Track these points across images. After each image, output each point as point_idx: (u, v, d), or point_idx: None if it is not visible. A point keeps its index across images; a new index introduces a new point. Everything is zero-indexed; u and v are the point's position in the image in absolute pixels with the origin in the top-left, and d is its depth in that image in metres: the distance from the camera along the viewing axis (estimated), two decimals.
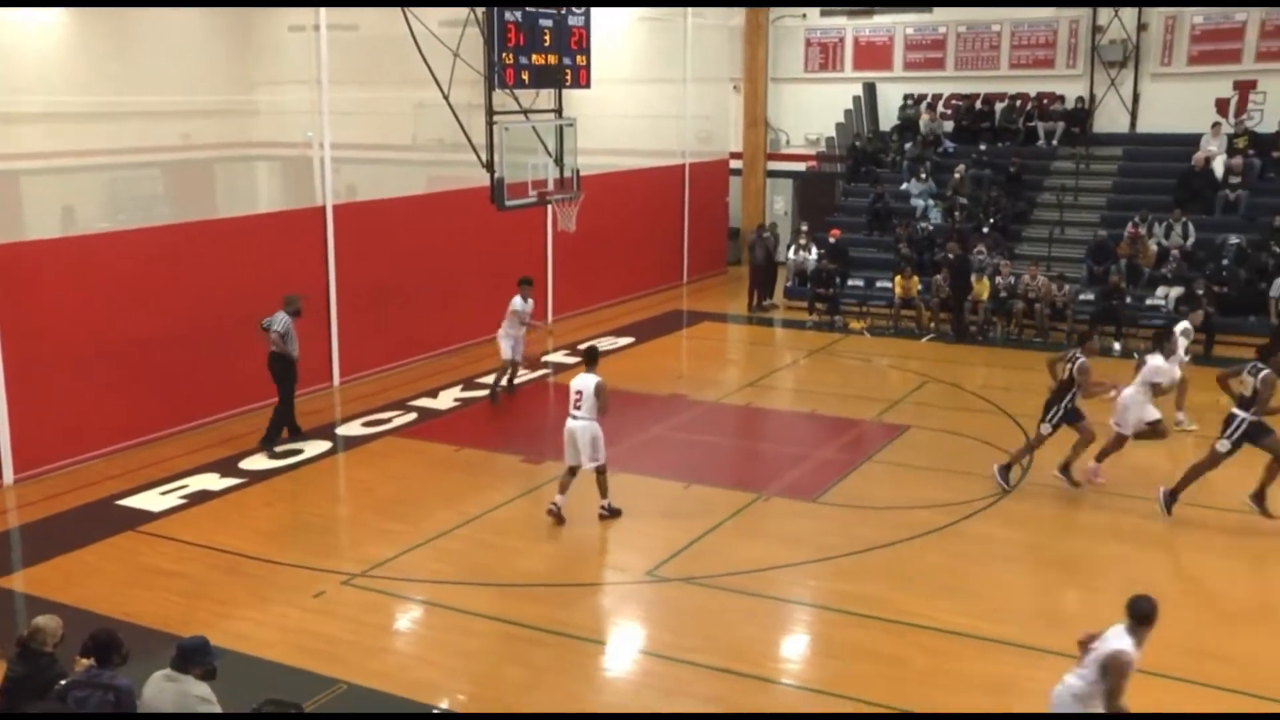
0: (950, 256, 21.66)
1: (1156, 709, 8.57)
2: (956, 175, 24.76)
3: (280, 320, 14.59)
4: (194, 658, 6.89)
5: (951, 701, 8.74)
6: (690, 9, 25.97)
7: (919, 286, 21.74)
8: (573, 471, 12.22)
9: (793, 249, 24.67)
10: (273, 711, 6.56)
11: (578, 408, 11.99)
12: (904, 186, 25.61)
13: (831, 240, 23.59)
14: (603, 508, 12.31)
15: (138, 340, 14.54)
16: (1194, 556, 11.52)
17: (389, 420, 15.97)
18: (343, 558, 11.48)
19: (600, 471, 12.17)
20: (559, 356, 19.65)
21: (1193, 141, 23.93)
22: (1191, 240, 21.93)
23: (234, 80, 18.25)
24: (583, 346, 13.07)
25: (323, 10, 16.53)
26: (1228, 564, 11.37)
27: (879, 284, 22.88)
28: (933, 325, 21.46)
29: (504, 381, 16.96)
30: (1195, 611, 10.25)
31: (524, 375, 17.85)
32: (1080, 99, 25.82)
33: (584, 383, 11.99)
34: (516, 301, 16.65)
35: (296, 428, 15.02)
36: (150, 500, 12.93)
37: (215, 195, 18.44)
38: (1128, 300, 20.79)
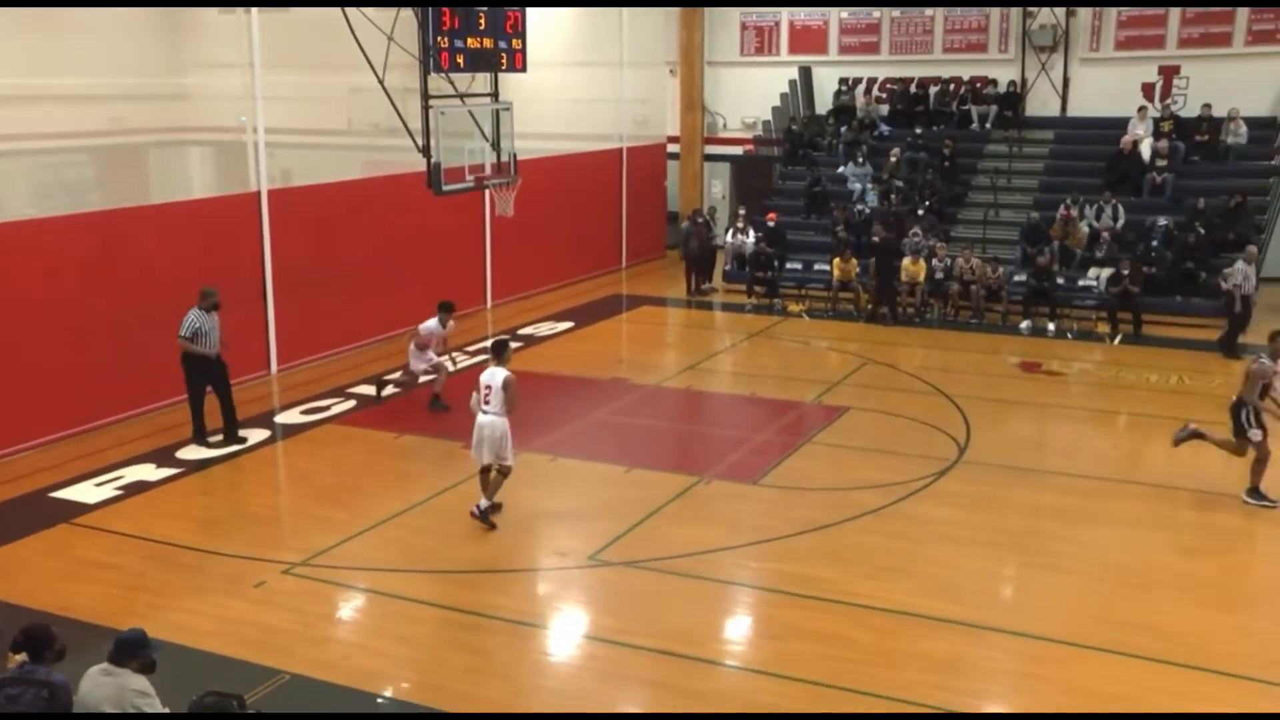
0: (876, 240, 21.79)
1: (1085, 682, 8.75)
2: (892, 159, 24.95)
3: (187, 321, 13.94)
4: (131, 651, 6.75)
5: (898, 679, 8.81)
6: None
7: (857, 269, 21.88)
8: (485, 470, 11.76)
9: (730, 232, 24.72)
10: (214, 704, 6.44)
11: (487, 402, 11.50)
12: (841, 170, 25.77)
13: (770, 224, 23.68)
14: (476, 507, 11.66)
15: (69, 329, 14.21)
16: (1132, 532, 11.70)
17: (328, 408, 15.79)
18: (283, 547, 11.33)
19: (502, 473, 11.67)
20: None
21: (1121, 125, 24.36)
22: (1121, 222, 22.31)
23: (165, 63, 17.92)
24: (490, 340, 12.78)
25: None
26: (1159, 537, 11.58)
27: (817, 267, 23.01)
28: (869, 307, 21.60)
29: (389, 388, 16.17)
30: (1126, 587, 10.43)
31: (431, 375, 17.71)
32: (1012, 83, 26.15)
33: (493, 377, 11.49)
34: (433, 325, 15.62)
35: (201, 429, 14.31)
36: (84, 492, 12.66)
37: (147, 181, 18.11)
38: (1060, 281, 21.09)
